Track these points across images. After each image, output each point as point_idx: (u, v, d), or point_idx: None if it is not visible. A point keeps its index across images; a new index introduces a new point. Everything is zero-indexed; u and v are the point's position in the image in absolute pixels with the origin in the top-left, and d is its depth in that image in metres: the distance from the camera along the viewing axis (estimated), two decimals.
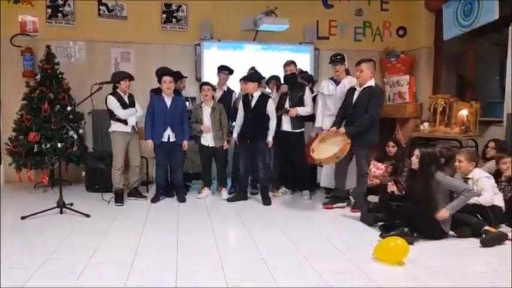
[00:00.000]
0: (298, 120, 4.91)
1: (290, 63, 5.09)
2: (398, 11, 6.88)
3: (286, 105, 4.89)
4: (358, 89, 4.38)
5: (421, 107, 5.79)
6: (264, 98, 4.80)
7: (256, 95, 4.80)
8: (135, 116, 4.79)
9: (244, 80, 4.83)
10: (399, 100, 5.80)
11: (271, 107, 4.78)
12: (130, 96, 4.86)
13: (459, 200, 3.44)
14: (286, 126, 4.90)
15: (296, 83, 5.03)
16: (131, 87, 4.87)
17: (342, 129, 4.28)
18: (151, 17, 6.24)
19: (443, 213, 3.44)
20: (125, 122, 4.72)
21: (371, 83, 4.36)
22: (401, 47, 6.82)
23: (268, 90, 5.31)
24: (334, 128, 4.37)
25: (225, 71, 5.34)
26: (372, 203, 4.21)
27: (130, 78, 4.80)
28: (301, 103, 4.90)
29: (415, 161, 3.59)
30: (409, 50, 6.78)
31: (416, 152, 3.60)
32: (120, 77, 4.76)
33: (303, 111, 4.89)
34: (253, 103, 4.77)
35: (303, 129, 4.98)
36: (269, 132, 4.77)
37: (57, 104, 5.40)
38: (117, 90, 4.74)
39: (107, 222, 4.00)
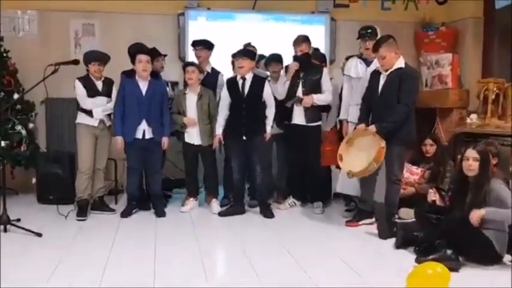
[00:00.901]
0: (314, 111, 4.91)
1: (302, 41, 5.00)
2: None
3: (299, 91, 4.86)
4: (384, 73, 4.33)
5: (467, 95, 5.75)
6: (259, 81, 4.81)
7: (249, 77, 4.79)
8: (103, 108, 4.78)
9: (236, 56, 4.81)
10: (439, 85, 5.76)
11: (268, 92, 4.81)
12: (107, 83, 4.88)
13: (502, 212, 3.38)
14: (299, 118, 4.90)
15: (311, 64, 5.01)
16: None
17: (373, 128, 4.23)
18: None
19: (478, 213, 3.37)
20: (90, 113, 4.74)
21: (400, 63, 4.31)
22: (442, 18, 6.76)
23: (267, 73, 5.26)
24: (363, 126, 4.34)
25: (198, 46, 5.26)
26: (399, 223, 4.16)
27: (101, 61, 4.79)
28: (317, 89, 4.87)
29: (473, 165, 3.50)
30: (452, 21, 6.72)
31: (472, 153, 3.52)
32: (87, 59, 4.78)
33: (320, 99, 4.87)
34: (246, 88, 4.77)
35: (320, 123, 4.99)
36: (268, 122, 4.80)
37: (1, 90, 5.35)
38: (90, 74, 4.80)
39: (63, 243, 3.95)
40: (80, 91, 4.73)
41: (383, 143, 4.12)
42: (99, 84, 4.83)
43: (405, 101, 4.21)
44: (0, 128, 5.17)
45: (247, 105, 4.77)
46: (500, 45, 6.48)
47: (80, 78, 4.78)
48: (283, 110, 4.92)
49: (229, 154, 5.04)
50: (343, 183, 4.86)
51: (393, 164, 4.34)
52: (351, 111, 4.80)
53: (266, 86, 4.81)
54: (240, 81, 4.80)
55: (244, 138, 4.78)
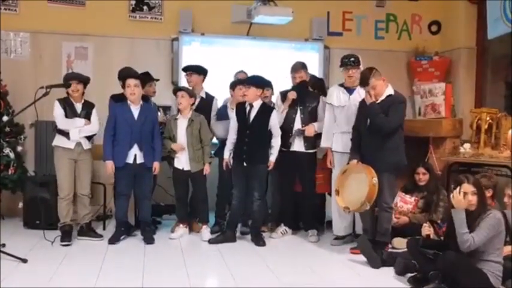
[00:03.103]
0: (313, 138, 4.99)
1: (300, 68, 5.10)
2: (431, 2, 6.93)
3: (297, 119, 4.94)
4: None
5: (460, 124, 5.77)
6: (266, 110, 4.85)
7: (257, 105, 4.82)
8: (79, 129, 4.74)
9: (246, 83, 4.84)
10: (432, 114, 5.78)
11: (274, 121, 4.84)
12: (87, 106, 4.86)
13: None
14: (298, 145, 4.97)
15: (308, 92, 5.09)
16: (87, 93, 4.85)
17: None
18: (117, 3, 6.23)
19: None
20: (67, 135, 4.73)
21: (389, 91, 4.39)
22: (435, 47, 6.86)
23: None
24: (355, 161, 4.43)
25: (189, 71, 5.30)
26: (384, 253, 4.19)
27: (77, 80, 4.78)
28: (315, 117, 4.98)
29: (473, 200, 3.46)
30: (445, 50, 6.82)
31: (469, 187, 3.47)
32: (68, 79, 4.79)
33: (320, 127, 4.95)
34: (252, 115, 4.81)
35: (316, 150, 5.05)
36: (272, 152, 4.84)
37: None
38: (69, 96, 4.80)
39: (49, 269, 3.89)
40: (58, 111, 4.72)
41: (375, 179, 4.16)
42: (79, 107, 4.81)
43: (390, 119, 4.27)
44: None
45: (250, 132, 4.80)
46: (492, 75, 6.56)
47: (59, 100, 4.77)
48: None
49: (228, 179, 5.03)
50: (339, 224, 4.88)
51: (384, 192, 4.34)
52: (335, 139, 4.83)
53: (273, 115, 4.83)
54: (248, 108, 4.84)
55: (245, 164, 4.80)
